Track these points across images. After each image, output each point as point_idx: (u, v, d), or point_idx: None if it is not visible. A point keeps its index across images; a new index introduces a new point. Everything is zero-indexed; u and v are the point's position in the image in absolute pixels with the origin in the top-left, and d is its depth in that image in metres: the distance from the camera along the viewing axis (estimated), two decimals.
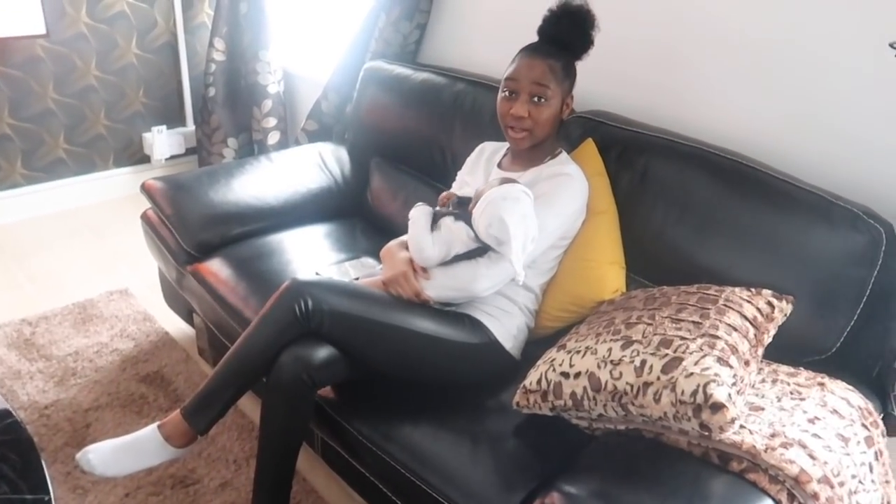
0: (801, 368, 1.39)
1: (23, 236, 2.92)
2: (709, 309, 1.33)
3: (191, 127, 3.38)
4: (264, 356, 1.45)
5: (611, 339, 1.31)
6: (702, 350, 1.21)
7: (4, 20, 2.73)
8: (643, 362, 1.23)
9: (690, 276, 1.53)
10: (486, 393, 1.52)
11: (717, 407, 1.13)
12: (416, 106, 2.17)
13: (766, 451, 1.13)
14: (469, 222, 1.52)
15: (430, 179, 2.13)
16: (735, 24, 1.68)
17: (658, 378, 1.19)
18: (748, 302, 1.36)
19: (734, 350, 1.24)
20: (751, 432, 1.17)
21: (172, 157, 3.38)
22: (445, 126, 2.08)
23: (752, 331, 1.32)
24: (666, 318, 1.32)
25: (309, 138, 2.69)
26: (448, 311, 1.57)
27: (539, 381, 1.34)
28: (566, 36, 1.57)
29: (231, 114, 3.13)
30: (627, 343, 1.28)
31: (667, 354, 1.22)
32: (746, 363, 1.26)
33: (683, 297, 1.40)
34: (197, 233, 2.01)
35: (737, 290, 1.40)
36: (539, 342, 1.59)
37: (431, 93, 2.13)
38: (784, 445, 1.14)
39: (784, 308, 1.40)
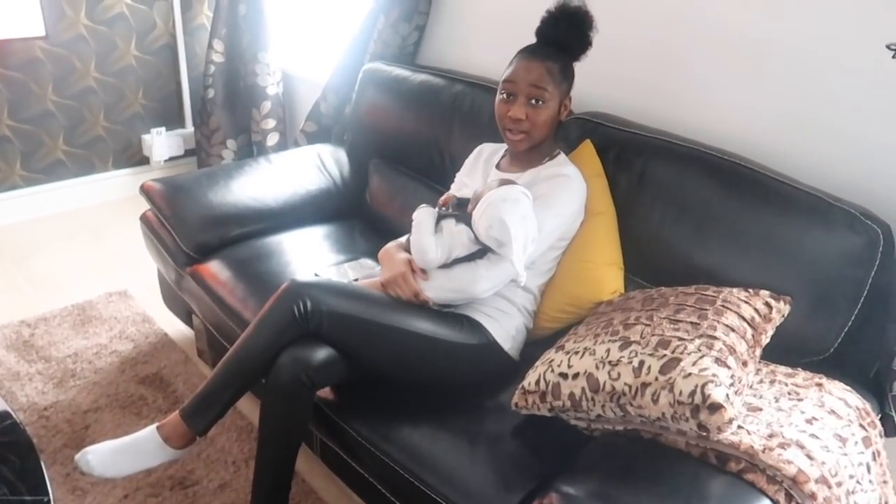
0: (799, 369, 1.39)
1: (22, 238, 2.92)
2: (706, 310, 1.33)
3: (190, 128, 3.39)
4: (263, 357, 1.45)
5: (609, 340, 1.32)
6: (700, 351, 1.22)
7: (4, 22, 2.74)
8: (641, 363, 1.23)
9: (688, 276, 1.53)
10: (484, 394, 1.52)
11: (715, 407, 1.13)
12: (415, 107, 2.17)
13: (763, 451, 1.13)
14: (469, 224, 1.52)
15: (429, 181, 2.13)
16: (733, 26, 1.68)
17: (656, 379, 1.20)
18: (746, 303, 1.37)
19: (732, 351, 1.24)
20: (749, 433, 1.17)
21: (171, 159, 3.38)
22: (444, 127, 2.08)
23: (749, 331, 1.32)
24: (664, 318, 1.33)
25: (308, 140, 2.69)
26: (447, 312, 1.57)
27: (537, 382, 1.35)
28: (564, 37, 1.57)
29: (230, 115, 3.13)
30: (625, 344, 1.29)
31: (665, 355, 1.22)
32: (744, 364, 1.26)
33: (681, 298, 1.40)
34: (196, 234, 2.01)
35: (734, 290, 1.41)
36: (537, 343, 1.59)
37: (430, 94, 2.13)
38: (782, 446, 1.14)
39: (782, 309, 1.41)
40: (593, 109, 1.87)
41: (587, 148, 1.74)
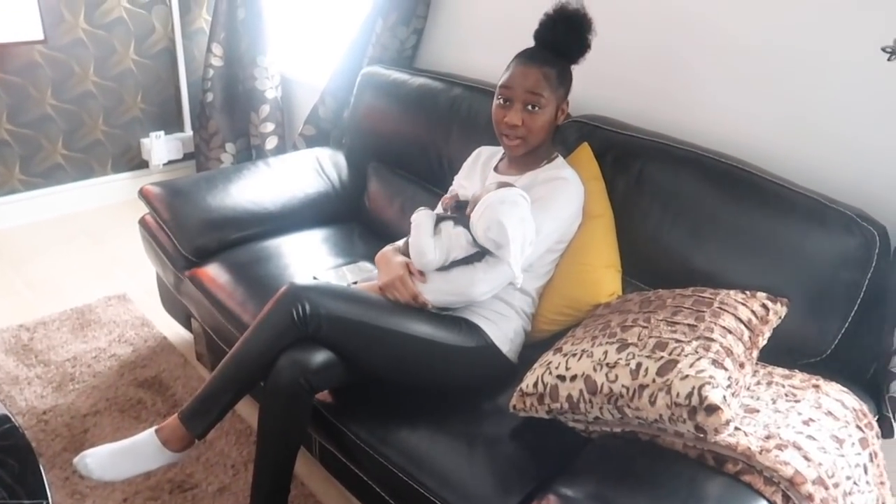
0: (796, 370, 1.40)
1: (21, 242, 2.93)
2: (704, 312, 1.34)
3: (189, 132, 3.39)
4: (262, 360, 1.45)
5: (606, 342, 1.32)
6: (697, 352, 1.22)
7: (3, 26, 2.74)
8: (639, 365, 1.23)
9: (686, 279, 1.54)
10: (482, 396, 1.53)
11: (712, 409, 1.13)
12: (414, 111, 2.17)
13: (761, 452, 1.14)
14: (467, 226, 1.52)
15: (428, 184, 2.14)
16: (730, 30, 1.69)
17: (653, 380, 1.20)
18: (743, 304, 1.37)
19: (729, 352, 1.25)
20: (746, 434, 1.17)
21: (170, 163, 3.39)
22: (442, 131, 2.08)
23: (746, 333, 1.33)
24: (661, 320, 1.33)
25: (306, 143, 2.70)
26: (445, 315, 1.57)
27: (535, 385, 1.35)
28: (562, 40, 1.56)
29: (229, 119, 3.14)
30: (623, 346, 1.29)
31: (662, 357, 1.23)
32: (741, 365, 1.26)
33: (679, 300, 1.40)
34: (195, 238, 2.02)
35: (731, 292, 1.41)
36: (536, 345, 1.59)
37: (428, 98, 2.14)
38: (779, 447, 1.15)
39: (779, 310, 1.41)
40: (591, 112, 1.88)
41: (585, 151, 1.74)
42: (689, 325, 1.30)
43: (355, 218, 2.28)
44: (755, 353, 1.35)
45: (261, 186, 2.18)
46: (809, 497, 1.10)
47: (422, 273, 1.56)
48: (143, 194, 2.13)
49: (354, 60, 2.53)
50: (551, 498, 1.15)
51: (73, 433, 1.91)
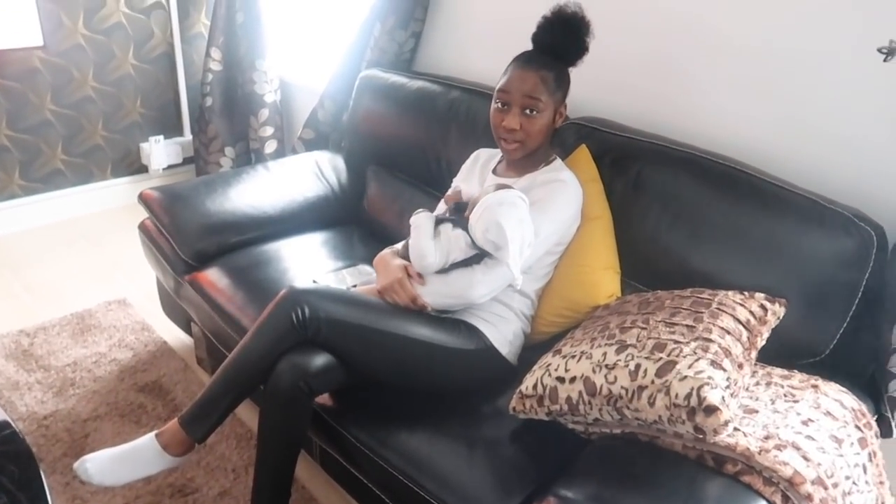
0: (795, 371, 1.40)
1: (21, 247, 2.93)
2: (702, 312, 1.34)
3: (188, 136, 3.40)
4: (262, 364, 1.45)
5: (605, 344, 1.32)
6: (695, 353, 1.22)
7: (2, 32, 2.75)
8: (637, 366, 1.23)
9: (684, 280, 1.54)
10: (482, 398, 1.53)
11: (711, 410, 1.14)
12: (412, 114, 2.18)
13: (760, 453, 1.14)
14: (466, 228, 1.53)
15: (427, 187, 2.14)
16: (728, 31, 1.69)
17: (652, 382, 1.20)
18: (741, 305, 1.37)
19: (728, 353, 1.25)
20: (745, 435, 1.17)
21: (170, 167, 3.39)
22: (441, 133, 2.09)
23: (745, 334, 1.33)
24: (660, 322, 1.33)
25: (306, 147, 2.70)
26: (444, 318, 1.58)
27: (535, 386, 1.35)
28: (560, 43, 1.57)
29: (228, 123, 3.14)
30: (622, 347, 1.29)
31: (661, 358, 1.23)
32: (740, 366, 1.27)
33: (677, 301, 1.41)
34: (194, 242, 2.02)
35: (730, 293, 1.41)
36: (535, 347, 1.60)
37: (427, 101, 2.14)
38: (778, 447, 1.15)
39: (777, 311, 1.41)
40: (589, 114, 1.88)
41: (583, 153, 1.74)
42: (687, 326, 1.30)
43: (354, 221, 2.28)
44: (754, 354, 1.35)
45: (260, 190, 2.19)
46: (808, 497, 1.10)
47: (420, 276, 1.57)
48: (142, 199, 2.14)
49: (353, 64, 2.53)
50: (551, 499, 1.15)
51: (73, 438, 1.91)
